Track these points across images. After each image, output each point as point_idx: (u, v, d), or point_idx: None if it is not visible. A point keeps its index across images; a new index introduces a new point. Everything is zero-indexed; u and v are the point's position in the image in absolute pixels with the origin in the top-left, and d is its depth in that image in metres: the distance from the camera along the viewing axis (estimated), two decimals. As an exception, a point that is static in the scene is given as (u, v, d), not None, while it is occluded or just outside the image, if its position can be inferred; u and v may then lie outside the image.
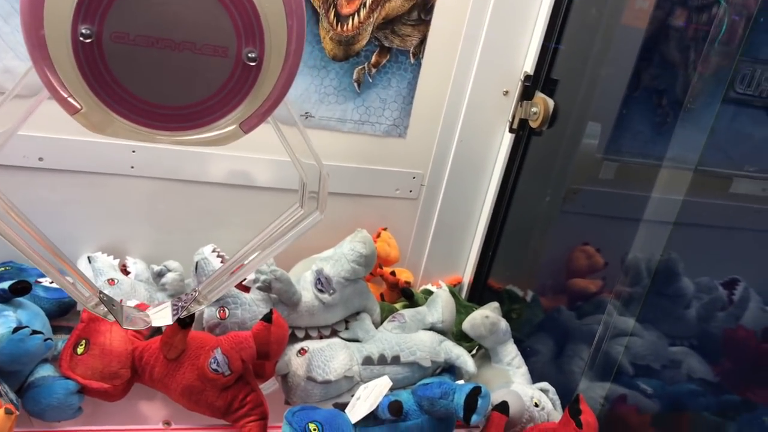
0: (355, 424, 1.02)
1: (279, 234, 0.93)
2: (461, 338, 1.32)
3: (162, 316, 0.97)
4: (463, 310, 1.41)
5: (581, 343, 1.31)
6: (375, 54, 1.30)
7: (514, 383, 1.18)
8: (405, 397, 1.06)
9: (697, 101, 1.10)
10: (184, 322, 1.05)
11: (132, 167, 1.26)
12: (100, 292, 0.89)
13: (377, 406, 1.02)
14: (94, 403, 1.09)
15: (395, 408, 1.00)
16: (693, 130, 1.09)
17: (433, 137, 1.41)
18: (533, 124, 1.35)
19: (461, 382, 1.12)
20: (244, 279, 1.15)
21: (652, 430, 1.17)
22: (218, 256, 1.18)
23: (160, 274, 1.26)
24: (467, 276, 1.56)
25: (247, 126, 0.76)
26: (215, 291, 0.97)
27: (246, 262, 0.95)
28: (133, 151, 1.25)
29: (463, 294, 1.56)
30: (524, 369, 1.24)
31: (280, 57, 0.72)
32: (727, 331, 1.40)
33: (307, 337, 1.21)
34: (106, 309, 0.88)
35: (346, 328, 1.24)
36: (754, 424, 1.24)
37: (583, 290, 1.47)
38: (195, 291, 0.97)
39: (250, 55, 0.71)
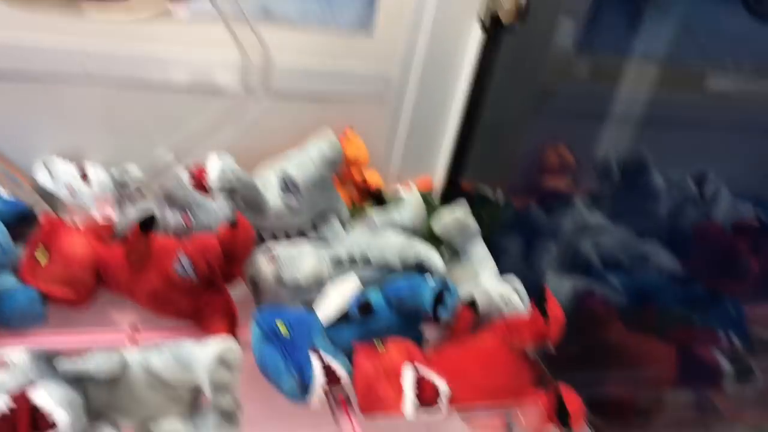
0: (325, 323, 1.02)
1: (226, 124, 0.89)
2: (431, 240, 1.32)
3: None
4: (433, 211, 1.40)
5: (550, 240, 1.31)
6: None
7: (483, 281, 1.19)
8: (374, 295, 1.06)
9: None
10: (146, 227, 1.03)
11: (85, 70, 1.21)
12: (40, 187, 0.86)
13: (346, 305, 1.02)
14: (60, 310, 1.08)
15: (363, 306, 1.00)
16: (663, 24, 1.06)
17: (402, 34, 1.36)
18: (504, 20, 1.30)
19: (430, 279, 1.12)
20: (203, 180, 1.13)
21: (618, 323, 1.18)
22: (180, 160, 1.15)
23: (120, 179, 1.23)
24: (439, 178, 1.54)
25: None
26: (160, 183, 0.94)
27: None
28: (86, 55, 1.19)
29: (435, 196, 1.55)
30: (493, 266, 1.24)
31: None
32: (697, 226, 1.41)
33: (276, 240, 1.20)
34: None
35: (315, 231, 1.22)
36: (721, 315, 1.26)
37: (554, 189, 1.46)
38: (139, 184, 0.94)
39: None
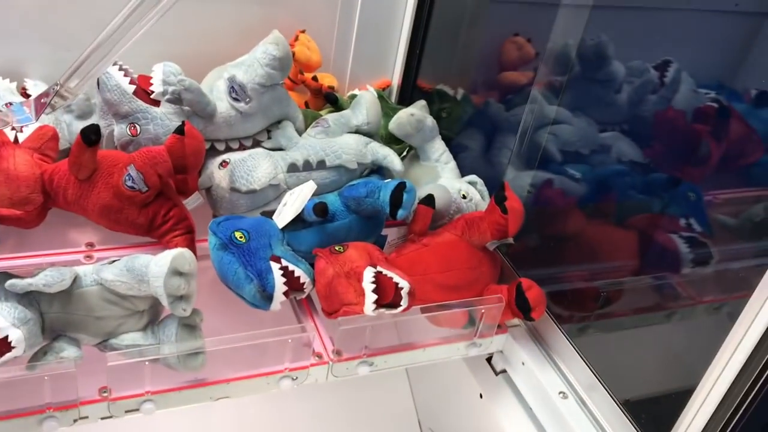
0: (283, 229, 1.01)
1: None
2: (390, 141, 1.29)
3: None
4: (391, 113, 1.36)
5: (509, 134, 1.29)
6: None
7: (442, 178, 1.18)
8: (331, 199, 1.04)
9: None
10: (90, 139, 0.99)
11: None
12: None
13: (303, 210, 1.00)
14: (11, 231, 1.05)
15: (320, 208, 0.98)
16: None
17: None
18: None
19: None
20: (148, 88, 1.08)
21: (578, 212, 1.18)
22: (120, 69, 1.09)
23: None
24: (396, 78, 1.50)
25: None
26: (80, 82, 0.89)
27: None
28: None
29: (393, 97, 1.51)
30: (452, 164, 1.23)
31: None
32: (658, 113, 1.40)
33: (228, 149, 1.16)
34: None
35: (269, 138, 1.19)
36: (680, 199, 1.27)
37: (513, 82, 1.43)
38: (57, 84, 0.89)
39: None
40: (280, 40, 1.13)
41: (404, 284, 0.90)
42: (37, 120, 0.92)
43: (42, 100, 0.90)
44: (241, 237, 0.97)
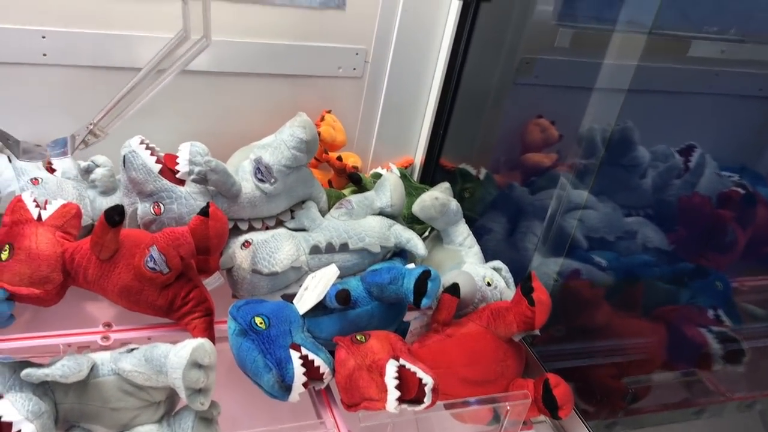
0: (304, 315, 0.99)
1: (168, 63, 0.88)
2: (413, 221, 1.28)
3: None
4: (414, 192, 1.36)
5: (535, 218, 1.28)
6: None
7: (466, 263, 1.16)
8: (354, 284, 1.02)
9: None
10: (114, 220, 0.98)
11: (44, 55, 1.15)
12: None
13: (325, 296, 0.98)
14: (29, 309, 1.04)
15: (342, 296, 0.96)
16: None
17: (375, 8, 1.31)
18: (482, -11, 1.25)
19: (411, 266, 1.09)
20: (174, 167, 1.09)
21: (605, 303, 1.16)
22: (147, 148, 1.09)
23: (88, 170, 1.19)
24: (418, 157, 1.50)
25: None
26: (111, 122, 0.92)
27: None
28: (43, 37, 1.13)
29: (415, 175, 1.51)
30: (476, 248, 1.21)
31: None
32: (683, 199, 1.38)
33: (251, 229, 1.15)
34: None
35: (292, 218, 1.18)
36: (707, 289, 1.24)
37: (537, 165, 1.43)
38: (91, 123, 0.92)
39: None
40: (307, 124, 1.13)
41: (428, 380, 0.87)
42: (71, 155, 0.94)
43: (76, 137, 0.92)
44: (261, 323, 0.95)
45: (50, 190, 1.13)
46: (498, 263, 1.18)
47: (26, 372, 0.78)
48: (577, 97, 1.29)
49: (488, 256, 1.24)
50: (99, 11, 1.14)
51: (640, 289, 1.20)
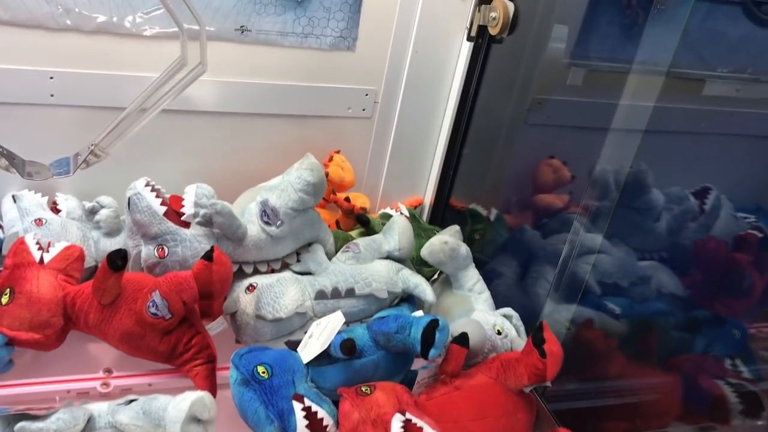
0: (308, 364, 0.96)
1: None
2: (422, 263, 1.26)
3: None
4: (423, 233, 1.34)
5: (546, 263, 1.25)
6: (314, -43, 1.17)
7: (476, 310, 1.13)
8: (359, 332, 1.00)
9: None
10: (116, 265, 0.96)
11: (52, 95, 1.14)
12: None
13: (330, 344, 0.95)
14: (28, 354, 1.02)
15: (348, 346, 0.94)
16: (664, 31, 0.99)
17: (385, 49, 1.30)
18: (492, 31, 1.24)
19: (419, 313, 1.06)
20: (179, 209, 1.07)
21: (619, 353, 1.12)
22: (153, 190, 1.08)
23: (92, 211, 1.18)
24: (428, 197, 1.48)
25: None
26: (113, 143, 0.98)
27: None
28: (51, 78, 1.13)
29: (425, 216, 1.49)
30: (486, 294, 1.18)
31: None
32: (698, 243, 1.35)
33: (256, 272, 1.13)
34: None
35: (298, 261, 1.16)
36: (724, 337, 1.21)
37: (549, 207, 1.40)
38: (92, 145, 0.93)
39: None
40: (315, 166, 1.12)
41: (435, 436, 0.84)
42: (72, 173, 0.95)
43: (78, 158, 0.98)
44: (263, 372, 0.93)
45: (54, 231, 1.12)
46: (509, 310, 1.15)
47: (20, 426, 0.76)
48: (591, 137, 1.27)
49: (499, 301, 1.21)
50: (106, 52, 1.14)
51: (654, 337, 1.16)
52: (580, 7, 1.32)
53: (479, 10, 1.25)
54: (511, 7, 1.20)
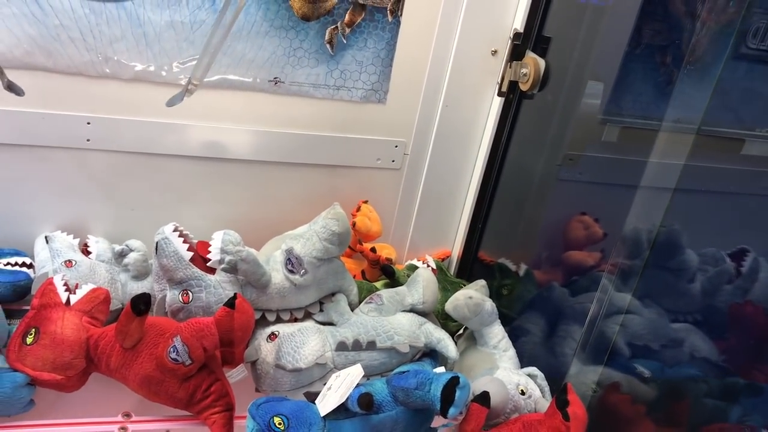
0: (325, 417, 0.95)
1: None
2: (447, 317, 1.24)
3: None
4: (450, 287, 1.33)
5: (575, 322, 1.22)
6: (348, 12, 1.19)
7: (500, 368, 1.10)
8: (379, 387, 0.98)
9: (700, 57, 0.99)
10: (139, 309, 0.97)
11: (88, 140, 1.18)
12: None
13: (348, 398, 0.94)
14: (49, 394, 1.03)
15: (366, 402, 0.92)
16: (694, 89, 0.98)
17: (416, 102, 1.31)
18: (523, 87, 1.24)
19: (441, 369, 1.04)
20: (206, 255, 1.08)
21: (647, 420, 1.08)
22: (180, 235, 1.09)
23: (122, 254, 1.19)
24: (456, 250, 1.47)
25: None
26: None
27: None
28: (88, 123, 1.16)
29: (452, 269, 1.47)
30: (512, 352, 1.15)
31: None
32: (734, 306, 1.31)
33: (279, 320, 1.13)
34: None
35: (321, 310, 1.16)
36: (761, 407, 1.16)
37: (579, 264, 1.38)
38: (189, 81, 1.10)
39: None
40: (340, 216, 1.12)
41: (451, 499, 0.82)
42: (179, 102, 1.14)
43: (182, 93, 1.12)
44: (279, 424, 0.91)
45: (83, 273, 1.13)
46: (533, 370, 1.12)
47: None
48: (622, 195, 1.26)
49: (524, 360, 1.18)
50: (142, 99, 1.17)
51: (686, 404, 1.12)
52: (613, 64, 1.32)
53: (510, 66, 1.26)
54: (542, 63, 1.20)
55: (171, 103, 1.12)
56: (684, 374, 1.16)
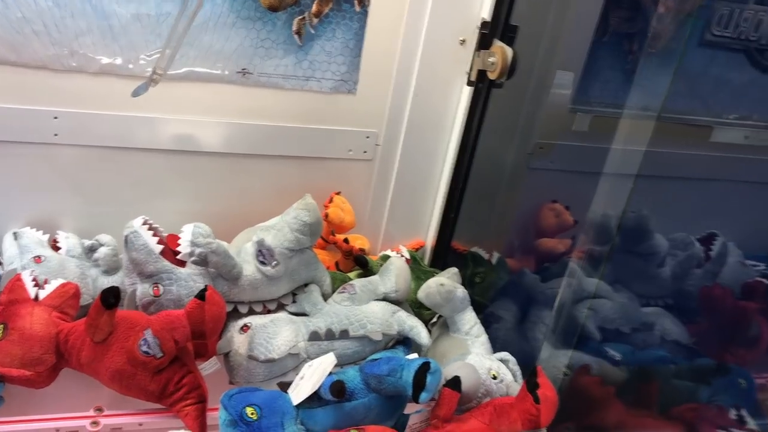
0: (298, 406, 0.95)
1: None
2: (421, 306, 1.24)
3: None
4: (423, 276, 1.33)
5: (546, 307, 1.23)
6: (315, 2, 1.19)
7: (472, 354, 1.11)
8: (351, 374, 0.98)
9: (661, 44, 1.00)
10: (109, 302, 0.97)
11: (56, 135, 1.16)
12: None
13: (320, 386, 0.94)
14: (19, 391, 1.02)
15: (337, 389, 0.92)
16: (656, 76, 1.00)
17: (386, 93, 1.31)
18: (492, 76, 1.25)
19: (414, 356, 1.05)
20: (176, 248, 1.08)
21: (618, 401, 1.10)
22: (150, 228, 1.08)
23: (92, 249, 1.19)
24: (430, 239, 1.47)
25: None
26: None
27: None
28: (56, 118, 1.15)
29: (426, 258, 1.48)
30: (484, 338, 1.16)
31: None
32: (703, 290, 1.33)
33: (252, 312, 1.13)
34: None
35: (294, 302, 1.16)
36: (729, 387, 1.18)
37: (550, 251, 1.40)
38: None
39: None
40: (311, 206, 1.12)
41: (423, 482, 0.82)
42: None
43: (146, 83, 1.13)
44: (252, 413, 0.91)
45: (52, 268, 1.12)
46: (505, 355, 1.13)
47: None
48: (592, 182, 1.27)
49: (498, 345, 1.19)
50: (109, 93, 1.16)
51: (656, 386, 1.14)
52: (581, 52, 1.33)
53: (479, 55, 1.27)
54: (509, 52, 1.21)
55: (136, 93, 1.12)
56: (654, 356, 1.17)
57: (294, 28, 1.20)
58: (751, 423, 1.11)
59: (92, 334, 0.99)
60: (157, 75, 1.11)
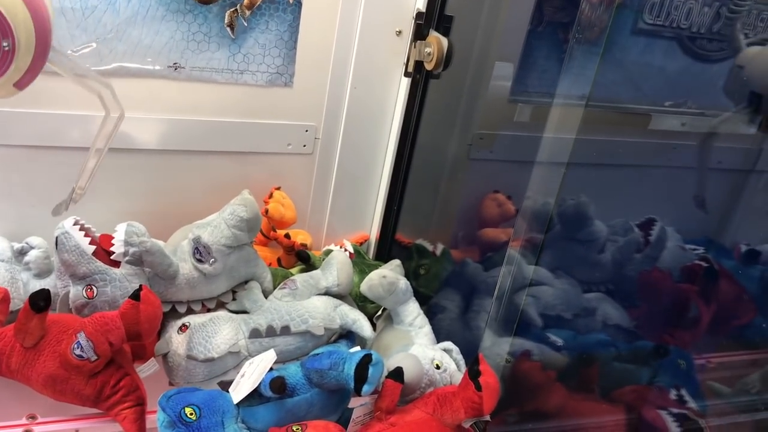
0: (239, 404, 0.93)
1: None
2: (365, 300, 1.24)
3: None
4: (368, 269, 1.32)
5: (487, 296, 1.24)
6: (247, -6, 1.17)
7: (416, 344, 1.11)
8: (293, 370, 0.97)
9: (589, 31, 1.01)
10: (38, 306, 0.93)
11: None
12: None
13: (260, 383, 0.93)
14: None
15: (277, 385, 0.91)
16: (584, 64, 1.00)
17: (324, 85, 1.30)
18: (428, 66, 1.25)
19: (356, 349, 1.04)
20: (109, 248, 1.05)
21: (559, 385, 1.11)
22: (81, 229, 1.05)
23: (22, 252, 1.14)
24: (374, 233, 1.47)
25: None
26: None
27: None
28: (-23, 118, 1.11)
29: (371, 252, 1.47)
30: (427, 328, 1.16)
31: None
32: (643, 274, 1.35)
33: (190, 311, 1.11)
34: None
35: (233, 299, 1.14)
36: (669, 368, 1.20)
37: (493, 240, 1.40)
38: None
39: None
40: (248, 202, 1.10)
41: (365, 475, 0.82)
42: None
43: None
44: (191, 414, 0.90)
45: (-21, 273, 1.08)
46: (448, 344, 1.13)
47: None
48: (528, 171, 1.28)
49: (442, 336, 1.19)
50: (34, 91, 1.12)
51: (597, 369, 1.15)
52: (517, 43, 1.34)
53: (415, 46, 1.26)
54: (445, 42, 1.21)
55: (56, 212, 1.08)
56: (595, 341, 1.19)
57: (226, 20, 1.17)
58: (691, 402, 1.13)
59: (22, 339, 0.95)
60: (77, 194, 1.08)
